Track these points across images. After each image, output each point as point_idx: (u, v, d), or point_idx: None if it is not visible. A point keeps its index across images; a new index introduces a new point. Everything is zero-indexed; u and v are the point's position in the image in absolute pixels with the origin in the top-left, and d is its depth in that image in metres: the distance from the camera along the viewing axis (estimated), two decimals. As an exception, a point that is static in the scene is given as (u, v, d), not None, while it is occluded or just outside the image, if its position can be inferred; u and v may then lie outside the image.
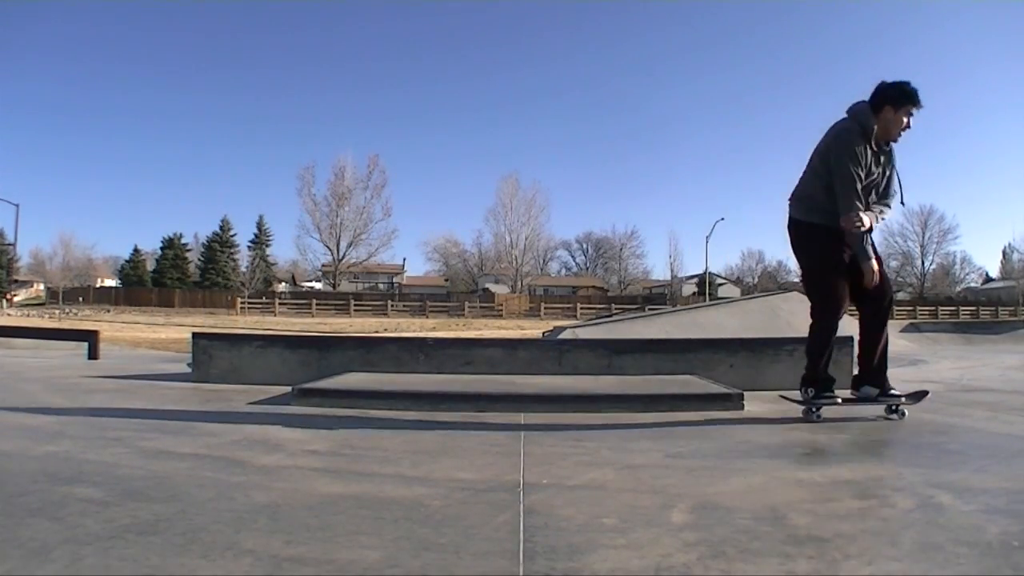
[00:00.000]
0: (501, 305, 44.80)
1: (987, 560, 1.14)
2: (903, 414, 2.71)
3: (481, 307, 44.56)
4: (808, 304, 2.85)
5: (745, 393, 3.01)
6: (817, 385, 2.74)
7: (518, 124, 78.76)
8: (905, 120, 2.64)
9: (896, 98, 2.63)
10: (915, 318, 29.04)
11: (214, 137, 78.82)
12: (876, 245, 2.76)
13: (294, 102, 79.99)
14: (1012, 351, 9.40)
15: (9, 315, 33.22)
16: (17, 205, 38.67)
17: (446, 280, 61.02)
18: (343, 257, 52.25)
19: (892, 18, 74.32)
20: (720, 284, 56.81)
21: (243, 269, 53.98)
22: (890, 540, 1.23)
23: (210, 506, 1.44)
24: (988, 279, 64.09)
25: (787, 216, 2.90)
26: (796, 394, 2.82)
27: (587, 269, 68.29)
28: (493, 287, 54.49)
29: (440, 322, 34.86)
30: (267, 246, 59.25)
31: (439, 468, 1.86)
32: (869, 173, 2.66)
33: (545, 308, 44.12)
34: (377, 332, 20.85)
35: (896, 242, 61.02)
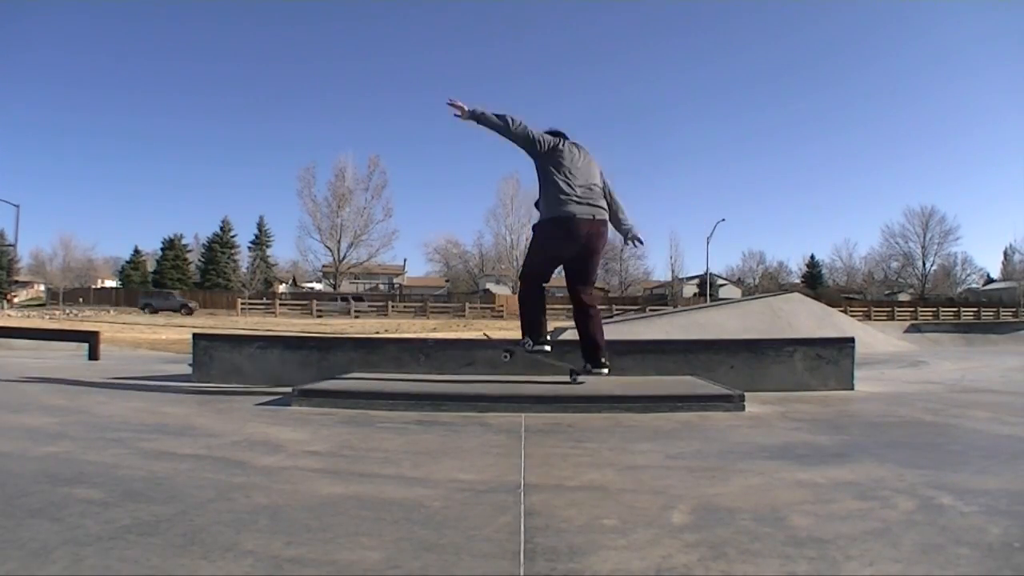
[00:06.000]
0: (502, 306, 44.77)
1: (988, 561, 1.14)
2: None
3: (482, 308, 44.56)
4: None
5: (746, 394, 3.01)
6: None
7: (518, 125, 78.69)
8: None
9: None
10: (916, 319, 28.99)
11: (214, 137, 79.02)
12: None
13: (294, 102, 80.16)
14: (1013, 352, 9.39)
15: (9, 316, 33.22)
16: (17, 206, 38.77)
17: (447, 281, 61.05)
18: (344, 258, 52.29)
19: (894, 18, 74.31)
20: (721, 285, 56.80)
21: (244, 270, 54.04)
22: (891, 541, 1.23)
23: (211, 507, 1.44)
24: (989, 280, 64.07)
25: None
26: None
27: (588, 270, 68.08)
28: (494, 288, 54.51)
29: (441, 323, 34.86)
30: (268, 247, 59.34)
31: (440, 469, 1.85)
32: None
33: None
34: (378, 333, 20.84)
35: (897, 243, 61.14)
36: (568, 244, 3.34)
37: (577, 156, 3.44)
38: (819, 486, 1.64)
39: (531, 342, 3.46)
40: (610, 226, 3.55)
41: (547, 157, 3.40)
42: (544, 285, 3.56)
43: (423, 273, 65.08)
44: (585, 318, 3.44)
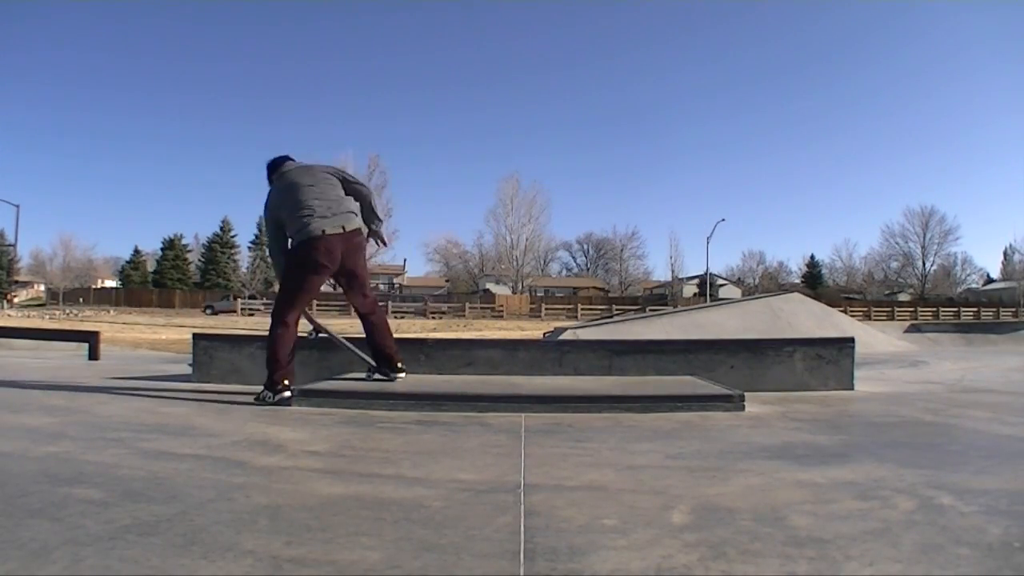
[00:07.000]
0: (502, 306, 44.82)
1: (988, 561, 1.13)
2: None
3: (482, 308, 44.57)
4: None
5: (746, 394, 3.01)
6: None
7: (519, 124, 78.93)
8: None
9: None
10: (916, 319, 28.99)
11: (214, 137, 79.08)
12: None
13: (294, 102, 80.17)
14: (1013, 352, 9.40)
15: (10, 316, 33.24)
16: (17, 206, 38.82)
17: (447, 281, 61.08)
18: (343, 258, 52.13)
19: (894, 17, 74.35)
20: (721, 285, 56.78)
21: (244, 270, 54.05)
22: (891, 541, 1.23)
23: (210, 507, 1.44)
24: (989, 280, 64.10)
25: None
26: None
27: (588, 270, 68.33)
28: (494, 288, 54.51)
29: (441, 323, 34.89)
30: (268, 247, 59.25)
31: (440, 469, 1.85)
32: None
33: (546, 309, 44.15)
34: (377, 333, 20.78)
35: (897, 243, 61.19)
36: (327, 261, 3.23)
37: (301, 181, 3.34)
38: (819, 486, 1.64)
39: (271, 395, 3.08)
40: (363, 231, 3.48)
41: (281, 213, 3.32)
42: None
43: (423, 273, 65.17)
44: (369, 327, 3.46)
